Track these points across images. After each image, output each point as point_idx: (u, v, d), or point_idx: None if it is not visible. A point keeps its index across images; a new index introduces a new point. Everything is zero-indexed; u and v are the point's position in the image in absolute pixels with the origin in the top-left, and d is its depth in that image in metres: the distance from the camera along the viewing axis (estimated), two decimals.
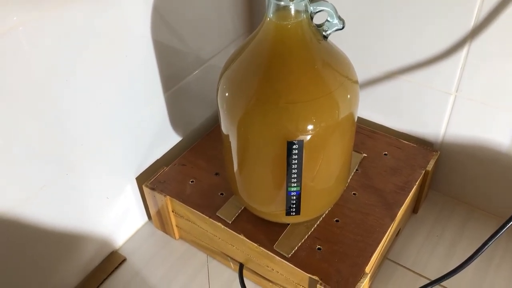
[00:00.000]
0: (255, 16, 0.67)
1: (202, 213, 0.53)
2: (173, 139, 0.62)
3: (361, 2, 0.55)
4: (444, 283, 0.55)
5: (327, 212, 0.53)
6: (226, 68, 0.45)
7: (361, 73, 0.60)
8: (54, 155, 0.47)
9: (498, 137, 0.55)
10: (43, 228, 0.48)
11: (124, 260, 0.59)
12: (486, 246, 0.44)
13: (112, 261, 0.59)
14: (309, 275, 0.47)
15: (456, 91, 0.55)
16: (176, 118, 0.61)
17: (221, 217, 0.53)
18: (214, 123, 0.67)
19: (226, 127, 0.46)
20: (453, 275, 0.46)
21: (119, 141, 0.54)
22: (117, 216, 0.58)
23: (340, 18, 0.42)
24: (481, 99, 0.53)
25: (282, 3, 0.39)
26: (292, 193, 0.47)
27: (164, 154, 0.62)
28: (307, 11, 0.40)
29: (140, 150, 0.58)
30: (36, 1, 0.39)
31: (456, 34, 0.51)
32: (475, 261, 0.46)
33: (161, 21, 0.53)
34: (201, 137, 0.63)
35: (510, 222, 0.43)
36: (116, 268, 0.58)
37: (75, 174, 0.50)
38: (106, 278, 0.57)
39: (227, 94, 0.44)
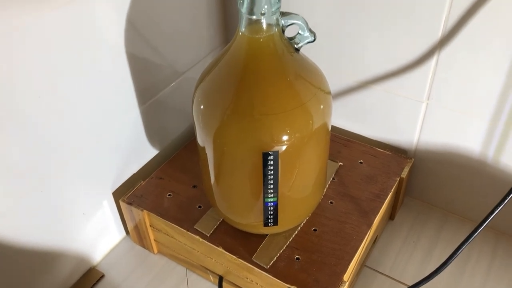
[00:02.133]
0: (230, 28, 0.67)
1: (180, 226, 0.53)
2: (150, 152, 0.62)
3: (332, 15, 0.56)
4: None
5: (305, 221, 0.53)
6: (200, 81, 0.45)
7: (335, 83, 0.61)
8: (28, 172, 0.46)
9: (470, 143, 0.56)
10: (18, 245, 0.48)
11: (102, 276, 0.58)
12: (460, 251, 0.45)
13: (90, 277, 0.58)
14: (288, 285, 0.47)
15: (428, 99, 0.56)
16: (153, 131, 0.61)
17: (199, 230, 0.53)
18: (191, 136, 0.67)
19: (202, 139, 0.46)
20: (428, 281, 0.47)
21: (95, 156, 0.53)
22: (94, 231, 0.57)
23: (311, 31, 0.42)
24: (452, 106, 0.55)
25: (254, 17, 0.40)
26: (269, 204, 0.47)
27: (141, 168, 0.61)
28: (279, 24, 0.41)
29: (116, 165, 0.57)
30: (5, 14, 0.39)
31: (425, 43, 0.52)
32: (451, 264, 0.47)
33: (136, 34, 0.53)
34: (178, 150, 0.63)
35: (481, 226, 0.44)
36: (94, 284, 0.57)
37: (50, 190, 0.49)
38: None
39: (202, 107, 0.44)
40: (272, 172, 0.44)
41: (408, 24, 0.52)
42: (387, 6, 0.52)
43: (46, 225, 0.50)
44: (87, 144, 0.52)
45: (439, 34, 0.51)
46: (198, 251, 0.54)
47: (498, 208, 0.44)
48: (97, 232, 0.58)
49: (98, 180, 0.55)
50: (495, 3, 0.46)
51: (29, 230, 0.48)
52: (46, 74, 0.44)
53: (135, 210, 0.56)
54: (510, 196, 0.44)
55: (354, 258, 0.50)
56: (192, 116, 0.46)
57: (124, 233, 0.63)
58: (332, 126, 0.64)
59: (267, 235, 0.52)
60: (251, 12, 0.39)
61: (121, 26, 0.51)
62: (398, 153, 0.61)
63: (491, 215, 0.44)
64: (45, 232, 0.50)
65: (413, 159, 0.60)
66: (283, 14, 0.41)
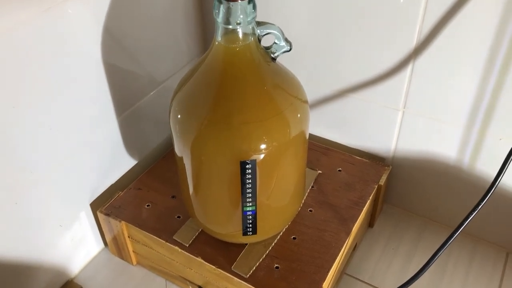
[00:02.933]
0: (208, 38, 0.67)
1: (159, 237, 0.53)
2: (128, 163, 0.62)
3: (309, 25, 0.57)
4: None
5: (284, 230, 0.53)
6: (177, 90, 0.45)
7: (313, 92, 0.61)
8: (2, 183, 0.45)
9: (446, 150, 0.57)
10: None
11: None
12: (436, 257, 0.46)
13: None
14: None
15: (404, 107, 0.57)
16: (131, 141, 0.60)
17: (178, 240, 0.52)
18: (170, 146, 0.67)
19: (179, 149, 0.46)
20: (407, 286, 0.47)
21: (71, 167, 0.53)
22: (72, 244, 0.56)
23: (287, 40, 0.43)
24: (428, 114, 0.56)
25: (230, 26, 0.40)
26: (248, 213, 0.47)
27: (119, 179, 0.61)
28: (255, 34, 0.41)
29: (93, 176, 0.57)
30: None
31: (400, 53, 0.53)
32: (430, 270, 0.47)
33: (113, 43, 0.52)
34: (157, 160, 0.63)
35: (456, 232, 0.45)
36: None
37: (25, 202, 0.48)
38: None
39: (179, 116, 0.44)
40: (250, 180, 0.44)
41: (383, 34, 0.53)
42: (363, 16, 0.53)
43: (21, 238, 0.49)
44: (63, 154, 0.51)
45: (413, 43, 0.52)
46: (177, 262, 0.54)
47: (472, 214, 0.45)
48: (75, 244, 0.57)
49: (75, 191, 0.55)
50: (468, 13, 0.47)
51: (3, 243, 0.47)
52: (20, 83, 0.44)
53: (113, 221, 0.55)
54: (483, 202, 0.44)
55: (333, 266, 0.50)
56: (170, 126, 0.46)
57: (102, 245, 0.62)
58: (311, 135, 0.64)
59: (246, 244, 0.52)
60: (227, 21, 0.40)
61: (98, 35, 0.50)
62: (376, 160, 0.62)
63: (466, 221, 0.45)
64: (20, 245, 0.50)
65: (390, 167, 0.61)
66: (259, 23, 0.42)
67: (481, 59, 0.49)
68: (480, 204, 0.44)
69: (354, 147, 0.64)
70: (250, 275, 0.49)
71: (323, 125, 0.64)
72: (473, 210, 0.45)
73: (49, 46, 0.45)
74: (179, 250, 0.51)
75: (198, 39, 0.66)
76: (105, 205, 0.56)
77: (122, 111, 0.57)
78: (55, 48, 0.46)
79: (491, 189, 0.44)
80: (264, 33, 0.42)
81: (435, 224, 0.64)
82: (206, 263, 0.50)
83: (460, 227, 0.45)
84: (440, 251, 0.46)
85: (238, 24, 0.40)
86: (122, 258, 0.60)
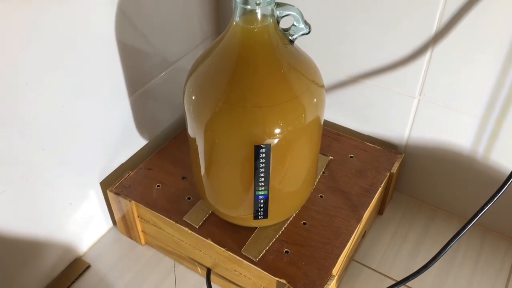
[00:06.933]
0: (222, 18, 0.66)
1: (169, 218, 0.52)
2: (139, 142, 0.61)
3: (327, 8, 0.56)
4: (409, 283, 0.56)
5: (294, 215, 0.53)
6: (192, 71, 0.45)
7: (328, 77, 0.60)
8: (14, 160, 0.45)
9: (460, 140, 0.57)
10: (3, 234, 0.47)
11: (89, 266, 0.57)
12: (449, 247, 0.46)
13: (75, 268, 0.57)
14: (276, 278, 0.47)
15: (420, 95, 0.56)
16: (142, 121, 0.60)
17: (188, 221, 0.52)
18: (181, 126, 0.66)
19: (193, 130, 0.46)
20: (417, 276, 0.47)
21: (83, 145, 0.52)
22: (81, 222, 0.57)
23: (306, 23, 0.42)
24: (444, 102, 0.55)
25: (249, 7, 0.39)
26: (260, 197, 0.46)
27: (130, 158, 0.60)
28: (274, 15, 0.41)
29: (104, 154, 0.56)
30: None
31: (419, 39, 0.52)
32: (438, 260, 0.47)
33: (126, 22, 0.52)
34: (168, 140, 0.63)
35: (470, 224, 0.45)
36: (80, 275, 0.56)
37: (36, 179, 0.48)
38: (70, 285, 0.55)
39: (193, 97, 0.44)
40: (263, 165, 0.43)
41: (402, 20, 0.52)
42: (382, 0, 0.52)
43: (32, 215, 0.49)
44: (74, 133, 0.51)
45: (433, 30, 0.51)
46: (186, 243, 0.54)
47: (487, 206, 0.44)
48: (84, 222, 0.57)
49: (85, 169, 0.55)
50: (489, 1, 0.46)
51: (13, 220, 0.47)
52: (33, 60, 0.43)
53: (123, 200, 0.55)
54: (499, 195, 0.44)
55: (343, 253, 0.50)
56: (183, 106, 0.45)
57: (111, 224, 0.62)
58: (324, 120, 0.64)
59: (256, 228, 0.51)
60: (246, 1, 0.39)
61: (112, 14, 0.49)
62: (388, 148, 0.61)
63: (480, 212, 0.44)
64: (30, 222, 0.50)
65: (403, 155, 0.60)
66: (278, 4, 0.41)
67: (502, 47, 0.48)
68: (495, 197, 0.44)
69: (366, 134, 0.63)
70: (259, 258, 0.49)
71: (336, 110, 0.64)
72: (488, 202, 0.44)
73: (62, 24, 0.44)
74: (189, 231, 0.51)
75: (212, 20, 0.65)
76: (115, 184, 0.56)
77: (133, 91, 0.57)
78: (68, 26, 0.45)
79: (508, 181, 0.43)
80: (283, 15, 0.41)
81: (444, 213, 0.64)
82: (216, 245, 0.50)
83: (474, 219, 0.44)
84: (453, 241, 0.46)
85: (258, 4, 0.39)
86: (130, 237, 0.60)
